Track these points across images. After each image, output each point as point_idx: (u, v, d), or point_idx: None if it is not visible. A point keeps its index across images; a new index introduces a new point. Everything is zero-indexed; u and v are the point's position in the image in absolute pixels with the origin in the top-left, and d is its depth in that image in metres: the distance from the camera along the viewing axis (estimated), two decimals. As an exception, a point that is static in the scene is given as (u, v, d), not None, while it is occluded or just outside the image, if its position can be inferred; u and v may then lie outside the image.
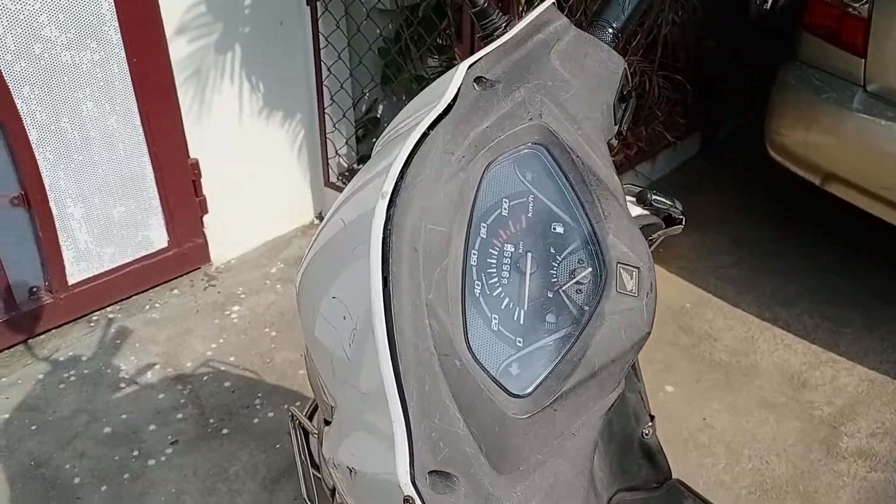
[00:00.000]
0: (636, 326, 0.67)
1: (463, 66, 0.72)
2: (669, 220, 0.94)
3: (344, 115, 2.87)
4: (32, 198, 2.22)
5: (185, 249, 2.70)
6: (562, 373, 0.64)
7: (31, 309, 2.36)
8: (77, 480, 1.91)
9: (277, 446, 2.01)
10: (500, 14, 0.82)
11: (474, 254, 0.65)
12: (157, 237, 2.61)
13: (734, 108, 3.49)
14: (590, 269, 0.67)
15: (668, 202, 0.92)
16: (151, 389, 2.22)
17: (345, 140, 2.94)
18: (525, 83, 0.72)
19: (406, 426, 0.58)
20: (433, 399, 0.59)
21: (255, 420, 2.11)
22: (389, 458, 0.58)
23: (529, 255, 0.67)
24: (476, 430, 0.60)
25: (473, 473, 0.59)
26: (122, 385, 2.24)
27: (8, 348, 2.35)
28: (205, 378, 2.28)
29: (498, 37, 0.77)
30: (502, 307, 0.65)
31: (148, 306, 2.60)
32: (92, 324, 2.51)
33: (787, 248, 2.89)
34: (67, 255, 2.39)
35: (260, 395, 2.20)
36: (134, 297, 2.63)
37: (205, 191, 2.66)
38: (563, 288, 0.67)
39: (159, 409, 2.15)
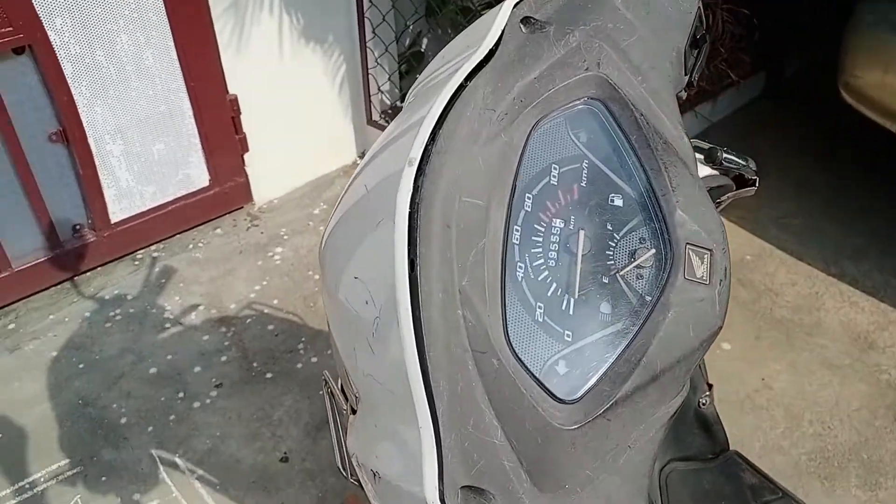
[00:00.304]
0: (706, 320, 0.57)
1: (508, 5, 0.61)
2: (740, 181, 0.84)
3: (386, 49, 2.75)
4: (70, 134, 2.17)
5: (227, 188, 2.65)
6: (617, 375, 0.55)
7: (75, 247, 2.35)
8: (124, 420, 1.92)
9: (321, 392, 1.99)
10: None
11: (517, 230, 0.56)
12: (197, 176, 2.56)
13: (803, 46, 3.26)
14: (653, 251, 0.58)
15: (740, 161, 0.82)
16: (195, 331, 2.21)
17: (387, 76, 2.82)
18: (580, 25, 0.61)
19: (435, 434, 0.50)
20: (466, 403, 0.51)
21: (299, 365, 2.09)
22: (416, 469, 0.51)
23: (582, 232, 0.57)
24: (515, 440, 0.52)
25: (511, 490, 0.52)
26: (167, 325, 2.23)
27: (54, 286, 2.35)
28: (248, 321, 2.26)
29: None
30: (549, 294, 0.56)
31: (191, 245, 2.57)
32: (136, 262, 2.49)
33: (856, 198, 2.73)
34: (109, 193, 2.35)
35: (303, 339, 2.18)
36: (177, 236, 2.61)
37: (245, 128, 2.59)
38: (622, 273, 0.57)
39: (203, 351, 2.13)
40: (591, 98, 0.61)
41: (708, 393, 0.95)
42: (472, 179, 0.55)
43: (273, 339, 2.19)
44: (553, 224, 0.58)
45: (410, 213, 0.52)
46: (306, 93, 2.74)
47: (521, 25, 0.61)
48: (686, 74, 0.70)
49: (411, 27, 2.82)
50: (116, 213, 2.41)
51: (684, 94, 0.72)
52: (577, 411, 0.54)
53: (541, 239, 0.57)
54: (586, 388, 0.55)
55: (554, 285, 0.57)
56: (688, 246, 0.58)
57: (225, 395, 2.00)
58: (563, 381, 0.55)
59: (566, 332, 0.56)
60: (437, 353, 0.51)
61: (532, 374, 0.54)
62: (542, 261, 0.57)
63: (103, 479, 1.76)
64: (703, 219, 0.59)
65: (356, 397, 0.64)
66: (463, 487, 0.50)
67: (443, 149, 0.54)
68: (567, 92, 0.59)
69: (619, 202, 0.60)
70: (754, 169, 0.83)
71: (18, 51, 2.01)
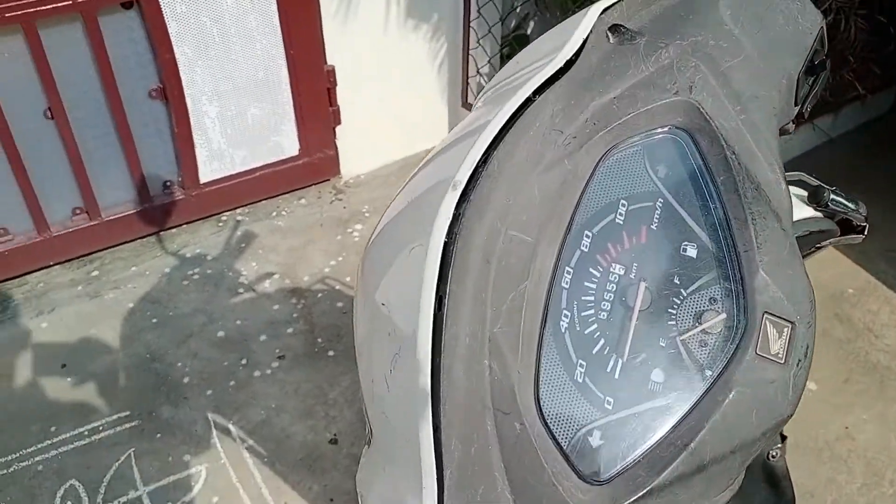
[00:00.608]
0: (773, 406, 0.48)
1: (595, 9, 0.53)
2: (846, 226, 0.74)
3: (490, 31, 2.65)
4: (170, 92, 2.20)
5: (316, 159, 2.64)
6: (658, 458, 0.46)
7: (164, 203, 2.39)
8: (186, 380, 1.94)
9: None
10: None
11: (568, 273, 0.48)
12: (288, 144, 2.56)
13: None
14: (723, 316, 0.49)
15: (849, 205, 0.71)
16: (267, 299, 2.21)
17: (487, 58, 2.72)
18: (677, 39, 0.53)
19: (438, 497, 0.43)
20: (479, 469, 0.44)
21: (362, 346, 2.05)
22: None
23: (643, 284, 0.49)
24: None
25: None
26: (241, 290, 2.24)
27: (140, 238, 2.41)
28: (319, 295, 2.24)
29: None
30: (594, 351, 0.48)
31: (275, 213, 2.58)
32: (220, 224, 2.53)
33: None
34: (201, 154, 2.38)
35: (370, 320, 2.14)
36: (262, 202, 2.63)
37: (339, 100, 2.57)
38: (683, 337, 0.49)
39: (272, 321, 2.13)
40: (677, 127, 0.52)
41: (780, 445, 0.84)
42: (524, 211, 0.47)
43: (341, 316, 2.16)
44: (612, 270, 0.50)
45: (446, 244, 0.45)
46: (404, 70, 2.68)
47: (609, 34, 0.53)
48: (796, 105, 0.60)
49: (518, 8, 2.71)
50: (206, 173, 2.44)
51: (792, 127, 0.62)
52: (603, 496, 0.45)
53: (594, 286, 0.49)
54: (618, 468, 0.46)
55: (602, 342, 0.48)
56: (766, 315, 0.49)
57: (286, 368, 1.98)
58: (594, 456, 0.47)
59: (608, 398, 0.47)
60: (453, 406, 0.44)
61: (559, 445, 0.46)
62: (592, 311, 0.49)
63: (158, 435, 1.78)
64: (789, 284, 0.50)
65: (370, 431, 0.57)
66: None
67: (495, 172, 0.47)
68: (649, 117, 0.51)
69: (692, 253, 0.50)
70: (864, 214, 0.73)
71: (127, 5, 2.05)
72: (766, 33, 0.56)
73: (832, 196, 0.69)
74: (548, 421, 0.46)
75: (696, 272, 0.50)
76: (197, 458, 1.73)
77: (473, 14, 2.59)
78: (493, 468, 0.44)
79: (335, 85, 2.53)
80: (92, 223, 2.27)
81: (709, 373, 0.49)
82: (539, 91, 0.50)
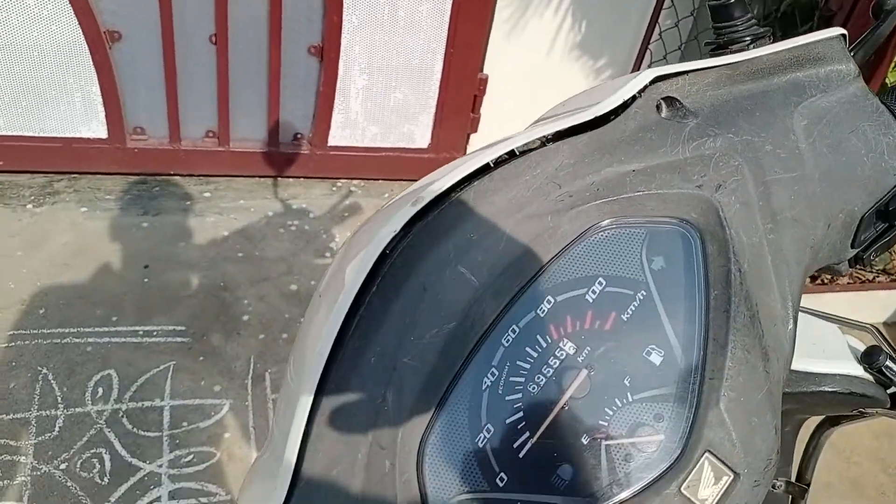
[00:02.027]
0: None
1: (649, 74, 0.47)
2: None
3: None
4: (327, 53, 2.29)
5: (442, 158, 2.66)
6: None
7: (289, 152, 2.48)
8: (246, 318, 1.99)
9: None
10: (751, 22, 0.55)
11: (513, 332, 0.43)
12: (420, 135, 2.59)
13: None
14: (661, 438, 0.43)
15: None
16: (346, 271, 2.24)
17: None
18: (730, 132, 0.47)
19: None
20: (335, 492, 0.40)
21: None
22: None
23: (586, 373, 0.43)
24: None
25: None
26: (327, 255, 2.28)
27: (257, 177, 2.52)
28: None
29: (732, 52, 0.53)
30: (507, 421, 0.42)
31: (387, 194, 2.62)
32: (333, 188, 2.59)
33: None
34: (336, 118, 2.46)
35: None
36: (379, 181, 2.67)
37: (482, 110, 2.57)
38: (609, 443, 0.43)
39: (343, 292, 2.15)
40: (687, 223, 0.45)
41: (785, 480, 0.73)
42: (483, 252, 0.43)
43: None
44: (560, 345, 0.44)
45: (386, 255, 0.42)
46: (556, 95, 2.65)
47: (662, 104, 0.47)
48: (854, 247, 0.52)
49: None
50: (336, 137, 2.51)
51: (845, 269, 0.54)
52: None
53: (536, 355, 0.43)
54: None
55: (520, 415, 0.43)
56: (707, 454, 0.43)
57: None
58: None
59: (502, 474, 0.42)
60: (332, 420, 0.40)
61: (423, 501, 0.41)
62: (522, 380, 0.43)
63: (201, 358, 1.84)
64: (749, 432, 0.43)
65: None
66: None
67: (468, 201, 0.43)
68: (660, 203, 0.45)
69: (656, 360, 0.44)
70: None
71: (313, -38, 2.15)
72: (838, 158, 0.49)
73: (889, 363, 0.60)
74: (425, 472, 0.41)
75: (652, 381, 0.44)
76: (226, 392, 1.77)
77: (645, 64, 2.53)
78: (347, 499, 0.40)
79: (483, 94, 2.53)
80: (219, 149, 2.39)
81: (620, 490, 0.42)
82: (558, 137, 0.45)
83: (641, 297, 0.44)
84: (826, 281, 2.49)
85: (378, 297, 0.40)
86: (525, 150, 0.44)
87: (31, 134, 2.19)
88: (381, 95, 2.45)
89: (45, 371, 1.71)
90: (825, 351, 0.61)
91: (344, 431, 0.40)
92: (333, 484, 0.40)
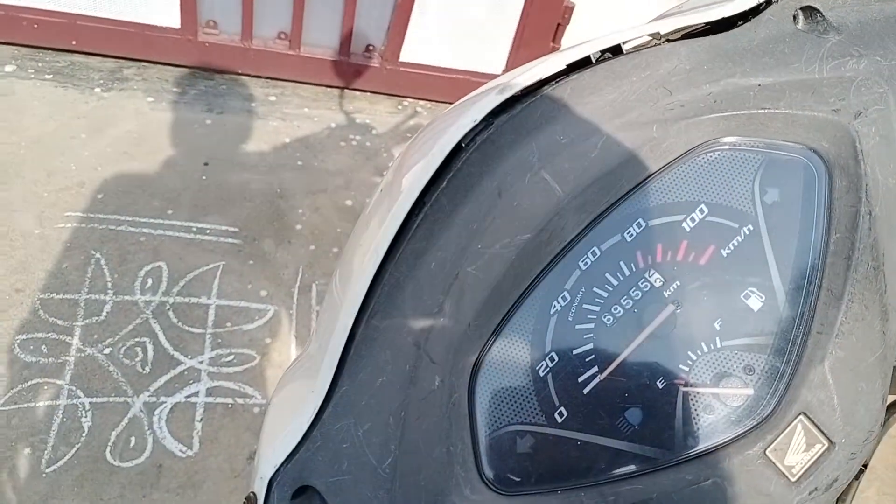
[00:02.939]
0: None
1: None
2: None
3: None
4: (409, -39, 2.18)
5: (514, 87, 2.55)
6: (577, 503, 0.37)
7: (359, 64, 2.41)
8: (299, 227, 1.97)
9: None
10: None
11: (594, 254, 0.39)
12: (495, 61, 2.48)
13: None
14: (751, 392, 0.39)
15: None
16: (404, 192, 2.19)
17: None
18: (877, 55, 0.41)
19: (318, 411, 0.36)
20: (375, 403, 0.36)
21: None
22: (277, 432, 0.37)
23: (672, 309, 0.39)
24: (400, 485, 0.36)
25: None
26: (384, 174, 2.23)
27: (324, 86, 2.46)
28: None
29: None
30: (574, 352, 0.38)
31: (453, 120, 2.54)
32: (399, 107, 2.52)
33: None
34: (411, 34, 2.36)
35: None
36: (446, 105, 2.58)
37: (562, 41, 2.44)
38: (689, 390, 0.39)
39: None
40: (815, 151, 0.40)
41: None
42: (571, 159, 0.38)
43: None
44: (646, 276, 0.39)
45: (459, 146, 0.38)
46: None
47: (800, 14, 0.41)
48: None
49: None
50: (408, 54, 2.42)
51: None
52: None
53: (616, 283, 0.39)
54: (528, 489, 0.37)
55: (590, 346, 0.39)
56: (802, 416, 0.38)
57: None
58: (509, 460, 0.38)
59: (562, 408, 0.38)
60: (380, 325, 0.37)
61: (473, 427, 0.36)
62: (597, 309, 0.39)
63: (251, 262, 1.83)
64: (853, 399, 0.39)
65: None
66: (305, 488, 0.36)
67: (561, 98, 0.38)
68: (787, 124, 0.39)
69: (755, 304, 0.39)
70: None
71: None
72: None
73: None
74: (477, 396, 0.37)
75: (747, 328, 0.39)
76: (272, 297, 1.77)
77: None
78: (390, 411, 0.36)
79: (567, 23, 2.40)
80: (289, 52, 2.33)
81: (695, 444, 0.38)
82: (679, 37, 0.40)
83: (747, 232, 0.40)
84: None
85: (446, 197, 0.36)
86: (635, 48, 0.39)
87: (105, 16, 2.16)
88: (459, 13, 2.34)
89: (97, 255, 1.72)
90: None
91: (393, 338, 0.36)
92: (375, 393, 0.36)
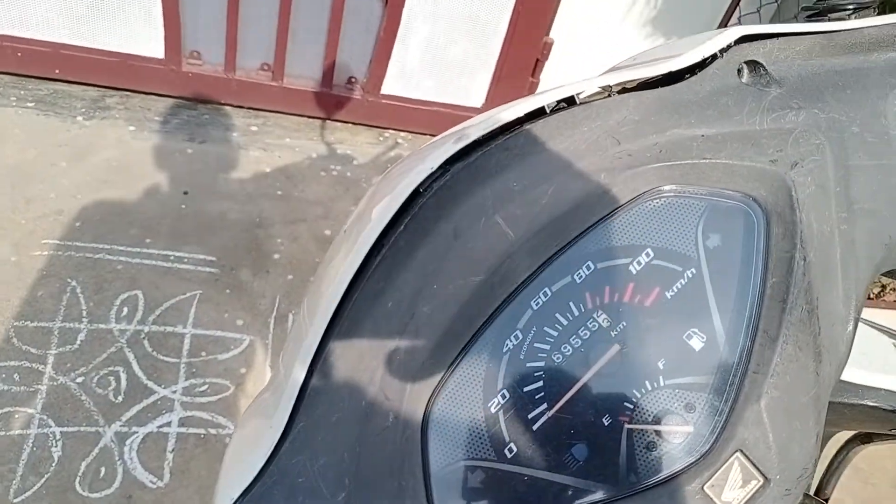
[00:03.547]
0: None
1: (736, 31, 0.44)
2: None
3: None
4: (391, -3, 2.22)
5: (494, 120, 2.59)
6: None
7: (341, 95, 2.44)
8: (277, 257, 1.98)
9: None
10: None
11: (545, 294, 0.40)
12: (475, 93, 2.52)
13: None
14: (690, 430, 0.40)
15: None
16: (383, 223, 2.21)
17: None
18: (815, 108, 0.43)
19: (277, 443, 0.38)
20: (331, 439, 0.37)
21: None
22: (234, 466, 0.38)
23: (618, 348, 0.40)
24: None
25: None
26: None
27: (305, 117, 2.49)
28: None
29: (831, 20, 0.48)
30: (525, 389, 0.40)
31: (433, 151, 2.57)
32: (381, 138, 2.55)
33: None
34: (393, 66, 2.40)
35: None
36: (427, 136, 2.62)
37: (541, 76, 2.49)
38: (633, 427, 0.40)
39: (377, 244, 2.13)
40: (753, 200, 0.42)
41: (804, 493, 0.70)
42: (525, 206, 0.39)
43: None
44: (594, 316, 0.41)
45: (417, 192, 0.40)
46: (619, 73, 2.56)
47: (745, 68, 0.43)
48: None
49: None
50: (390, 86, 2.45)
51: None
52: None
53: (567, 323, 0.41)
54: None
55: (539, 384, 0.40)
56: (738, 453, 0.40)
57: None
58: (459, 495, 0.39)
59: (511, 444, 0.39)
60: (338, 361, 0.38)
61: (425, 462, 0.38)
62: (547, 347, 0.41)
63: (227, 291, 1.84)
64: (787, 437, 0.40)
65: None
66: None
67: (515, 147, 0.40)
68: (727, 174, 0.41)
69: (696, 345, 0.41)
70: None
71: None
72: None
73: None
74: (430, 432, 0.38)
75: (688, 367, 0.41)
76: (248, 327, 1.77)
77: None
78: (343, 447, 0.37)
79: (546, 58, 2.45)
80: (271, 83, 2.36)
81: (637, 480, 0.39)
82: (627, 90, 0.42)
83: (690, 276, 0.41)
84: (873, 296, 2.38)
85: (404, 239, 0.38)
86: (586, 100, 0.41)
87: (89, 45, 2.19)
88: (441, 48, 2.38)
89: (73, 283, 1.72)
90: (873, 363, 0.57)
91: (350, 375, 0.37)
92: (332, 429, 0.38)
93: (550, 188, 0.39)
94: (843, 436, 0.73)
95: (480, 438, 0.39)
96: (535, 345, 0.39)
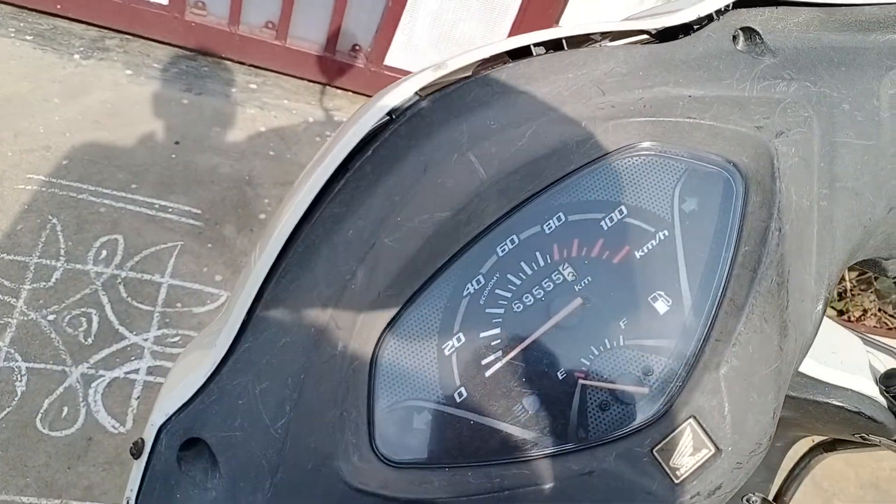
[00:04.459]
0: None
1: None
2: None
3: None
4: (404, -33, 2.20)
5: (495, 103, 2.58)
6: (462, 483, 0.38)
7: (343, 62, 2.42)
8: (263, 216, 1.97)
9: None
10: None
11: (512, 242, 0.40)
12: (479, 74, 2.51)
13: None
14: (645, 391, 0.40)
15: None
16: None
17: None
18: (807, 81, 0.43)
19: (218, 363, 0.37)
20: (275, 364, 0.37)
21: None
22: (176, 383, 0.38)
23: (580, 302, 0.40)
24: (291, 450, 0.37)
25: (243, 490, 0.37)
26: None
27: (306, 80, 2.46)
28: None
29: None
30: (481, 335, 0.39)
31: (431, 128, 2.56)
32: (380, 109, 2.53)
33: None
34: (399, 38, 2.37)
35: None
36: (426, 113, 2.60)
37: (548, 62, 2.47)
38: (587, 383, 0.40)
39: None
40: (734, 165, 0.41)
41: (762, 497, 0.70)
42: (501, 145, 0.38)
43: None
44: (560, 269, 0.40)
45: (391, 120, 0.39)
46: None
47: (740, 35, 0.43)
48: None
49: None
50: (394, 58, 2.43)
51: (894, 272, 0.49)
52: (379, 476, 0.37)
53: (531, 272, 0.40)
54: (416, 461, 0.38)
55: (496, 331, 0.40)
56: (691, 419, 0.40)
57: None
58: (403, 434, 0.39)
59: (462, 388, 0.39)
60: (292, 286, 0.37)
61: (371, 397, 0.37)
62: (508, 295, 0.40)
63: (209, 245, 1.82)
64: (744, 410, 0.40)
65: None
66: (196, 441, 0.36)
67: (497, 83, 0.39)
68: (710, 136, 0.41)
69: (661, 307, 0.41)
70: None
71: None
72: None
73: None
74: (379, 366, 0.38)
75: (651, 329, 0.40)
76: (226, 283, 1.76)
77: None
78: (288, 373, 0.36)
79: (553, 46, 2.43)
80: (275, 42, 2.33)
81: (586, 436, 0.39)
82: (618, 37, 0.41)
83: (662, 238, 0.41)
84: (854, 319, 2.39)
85: (371, 165, 0.37)
86: (575, 45, 0.39)
87: (92, -16, 2.15)
88: (449, 24, 2.36)
89: (54, 221, 1.71)
90: (843, 363, 0.57)
91: (302, 300, 0.37)
92: (278, 353, 0.37)
93: (529, 130, 0.38)
94: (805, 444, 0.73)
95: (430, 379, 0.39)
96: (497, 291, 0.39)
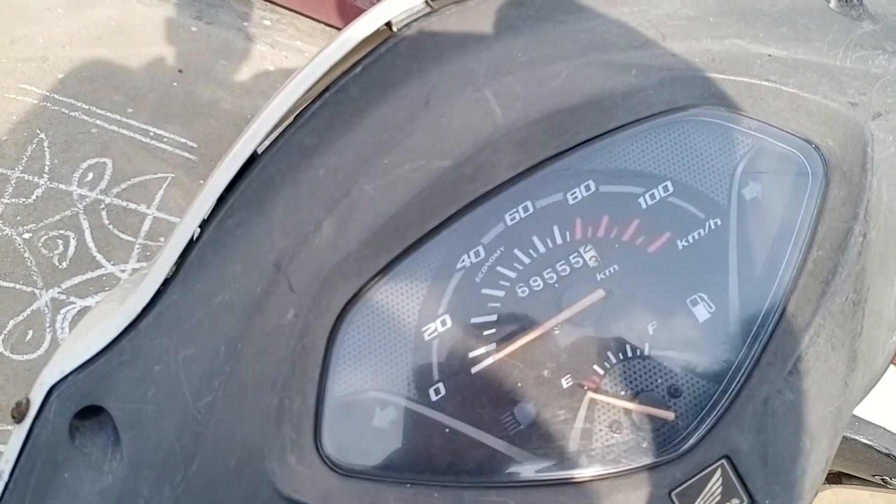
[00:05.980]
0: None
1: None
2: None
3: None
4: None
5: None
6: (419, 501, 0.30)
7: (364, 9, 2.32)
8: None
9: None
10: None
11: (525, 209, 0.31)
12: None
13: None
14: (671, 416, 0.32)
15: None
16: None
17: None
18: None
19: (130, 323, 0.30)
20: (211, 324, 0.29)
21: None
22: (74, 345, 0.31)
23: (602, 295, 0.31)
24: (214, 446, 0.29)
25: (151, 477, 0.30)
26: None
27: (323, 23, 2.36)
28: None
29: None
30: (472, 321, 0.31)
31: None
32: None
33: None
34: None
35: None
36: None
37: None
38: (598, 398, 0.31)
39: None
40: (816, 148, 0.32)
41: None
42: (526, 84, 0.30)
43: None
44: (581, 250, 0.32)
45: (391, 34, 0.32)
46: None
47: None
48: None
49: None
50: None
51: None
52: (319, 482, 0.30)
53: (543, 250, 0.32)
54: (368, 469, 0.31)
55: (493, 316, 0.32)
56: (724, 461, 0.30)
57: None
58: (356, 433, 0.31)
59: (439, 384, 0.31)
60: (240, 229, 0.30)
61: (321, 383, 0.30)
62: (514, 274, 0.31)
63: (201, 181, 1.75)
64: (791, 453, 0.31)
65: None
66: (97, 410, 0.30)
67: (530, 6, 0.31)
68: (792, 108, 0.32)
69: (700, 314, 0.32)
70: None
71: None
72: None
73: None
74: (337, 345, 0.30)
75: (685, 339, 0.33)
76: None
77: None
78: (221, 339, 0.29)
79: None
80: (294, -21, 2.23)
81: (588, 465, 0.32)
82: None
83: (713, 227, 0.33)
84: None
85: (358, 87, 0.29)
86: None
87: None
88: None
89: (42, 136, 1.63)
90: (879, 395, 0.50)
91: (249, 249, 0.29)
92: (211, 312, 0.30)
93: (565, 70, 0.30)
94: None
95: (402, 368, 0.31)
96: (499, 269, 0.32)
